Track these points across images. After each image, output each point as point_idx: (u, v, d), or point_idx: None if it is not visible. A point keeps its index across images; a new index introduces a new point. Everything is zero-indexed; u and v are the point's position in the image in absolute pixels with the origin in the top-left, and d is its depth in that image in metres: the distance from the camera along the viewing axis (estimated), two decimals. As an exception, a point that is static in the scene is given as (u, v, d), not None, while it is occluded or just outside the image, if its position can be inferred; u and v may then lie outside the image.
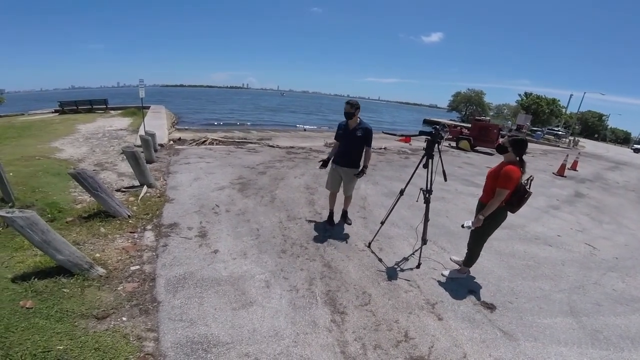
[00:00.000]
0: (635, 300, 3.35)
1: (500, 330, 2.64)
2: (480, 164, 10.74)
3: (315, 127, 22.54)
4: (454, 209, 5.57)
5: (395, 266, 3.47)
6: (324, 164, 4.08)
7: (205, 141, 10.03)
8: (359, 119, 3.81)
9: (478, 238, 3.07)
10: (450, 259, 3.69)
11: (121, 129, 11.43)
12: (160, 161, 7.17)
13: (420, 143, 13.19)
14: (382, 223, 3.78)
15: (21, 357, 1.89)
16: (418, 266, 3.45)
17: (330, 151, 4.16)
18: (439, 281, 3.25)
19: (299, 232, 4.07)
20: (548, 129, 34.62)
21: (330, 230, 4.21)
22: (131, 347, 2.14)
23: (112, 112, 18.42)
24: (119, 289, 2.71)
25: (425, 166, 3.29)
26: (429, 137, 3.30)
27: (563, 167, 10.73)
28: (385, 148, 12.03)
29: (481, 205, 2.99)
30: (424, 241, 3.53)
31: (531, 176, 2.93)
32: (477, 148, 14.46)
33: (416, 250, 3.71)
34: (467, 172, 9.20)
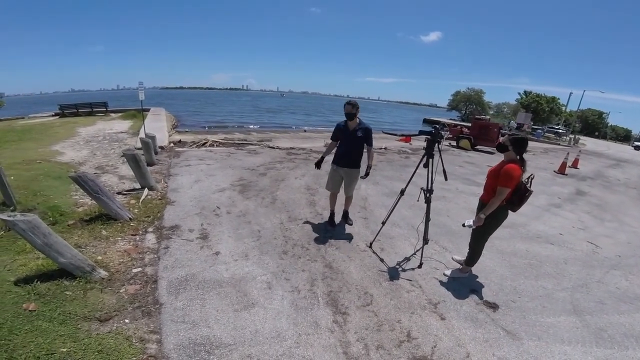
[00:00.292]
0: (639, 298, 3.33)
1: (503, 330, 2.63)
2: (480, 163, 10.74)
3: (315, 127, 22.55)
4: (455, 208, 5.56)
5: (397, 266, 3.46)
6: (318, 164, 4.09)
7: (205, 143, 10.04)
8: (358, 119, 3.82)
9: (479, 237, 3.07)
10: (452, 258, 3.69)
11: (121, 132, 11.45)
12: (161, 164, 7.17)
13: (420, 143, 13.18)
14: (383, 223, 3.78)
15: (25, 359, 1.89)
16: (420, 266, 3.44)
17: (325, 151, 4.16)
18: (441, 281, 3.25)
19: (300, 233, 4.07)
20: (548, 127, 34.60)
21: (331, 230, 4.21)
22: (134, 349, 2.14)
23: (112, 114, 18.47)
24: (121, 291, 2.72)
25: (426, 166, 3.29)
26: (429, 137, 3.30)
27: (564, 165, 10.72)
28: (385, 148, 12.02)
29: (482, 204, 2.98)
30: (426, 241, 3.53)
31: (532, 174, 2.92)
32: (478, 147, 14.44)
33: (418, 250, 3.70)
34: (468, 171, 9.20)
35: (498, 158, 3.07)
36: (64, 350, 2.01)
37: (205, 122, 23.90)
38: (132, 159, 4.95)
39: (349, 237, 4.06)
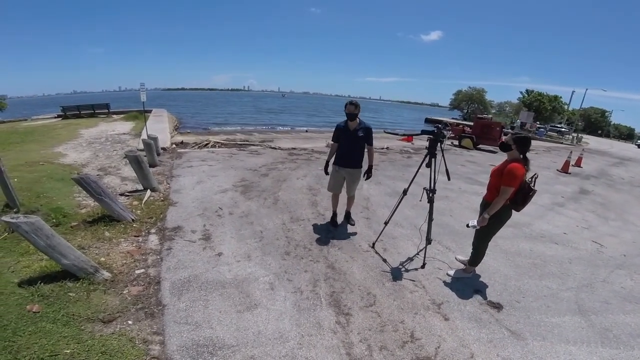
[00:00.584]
0: (644, 297, 3.30)
1: (507, 330, 2.61)
2: (483, 162, 10.69)
3: (317, 128, 22.54)
4: (458, 208, 5.54)
5: (400, 266, 3.45)
6: (326, 169, 4.10)
7: (207, 144, 10.06)
8: (358, 119, 3.81)
9: (483, 237, 3.05)
10: (456, 258, 3.67)
11: (124, 133, 11.49)
12: (163, 165, 7.19)
13: (422, 142, 13.15)
14: (386, 223, 3.76)
15: (29, 360, 1.90)
16: (423, 266, 3.43)
17: (329, 154, 4.14)
18: (444, 281, 3.23)
19: (302, 234, 4.07)
20: (551, 126, 34.46)
21: (333, 231, 4.20)
22: (137, 350, 2.14)
23: (114, 116, 18.54)
24: (124, 292, 2.72)
25: (428, 165, 3.27)
26: (431, 136, 3.28)
27: (567, 163, 10.66)
28: (387, 148, 12.00)
29: (486, 204, 2.96)
30: (429, 241, 3.51)
31: (535, 174, 2.90)
32: (480, 146, 14.40)
33: (421, 250, 3.69)
34: (470, 171, 9.16)
35: (501, 157, 3.06)
36: (68, 351, 2.01)
37: (207, 123, 23.96)
38: (134, 161, 4.96)
39: (352, 238, 4.05)
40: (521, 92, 44.68)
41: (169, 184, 5.79)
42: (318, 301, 2.79)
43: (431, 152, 3.27)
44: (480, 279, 3.32)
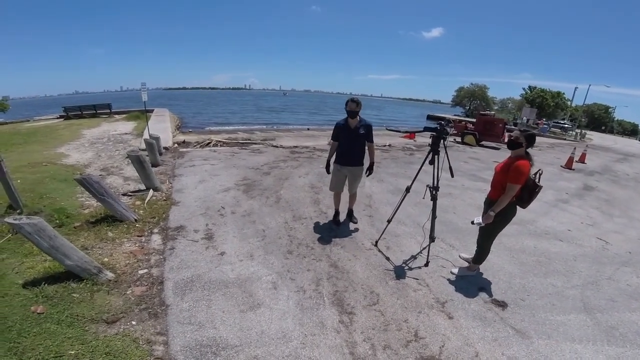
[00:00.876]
0: (650, 295, 3.26)
1: (512, 328, 2.59)
2: (486, 159, 10.63)
3: (319, 126, 22.49)
4: (462, 205, 5.51)
5: (403, 265, 3.43)
6: (328, 168, 4.08)
7: (209, 143, 10.06)
8: (359, 117, 3.78)
9: (488, 235, 3.02)
10: (460, 256, 3.65)
11: (126, 133, 11.51)
12: (166, 164, 7.20)
13: (424, 139, 13.10)
14: (389, 221, 3.74)
15: (34, 362, 1.91)
16: (426, 264, 3.41)
17: (329, 153, 4.11)
18: (448, 279, 3.21)
19: (304, 232, 4.06)
20: (554, 122, 34.29)
21: (336, 229, 4.19)
22: (141, 351, 2.14)
23: (116, 116, 18.57)
24: (127, 293, 2.72)
25: (432, 162, 3.24)
26: (434, 133, 3.25)
27: (571, 159, 10.58)
28: (389, 145, 11.96)
29: (490, 202, 2.94)
30: (432, 239, 3.49)
31: (540, 170, 2.87)
32: (483, 143, 14.32)
33: (424, 248, 3.67)
34: (474, 167, 9.11)
35: (504, 154, 3.02)
36: (72, 352, 2.02)
37: (208, 122, 23.97)
38: (136, 161, 4.96)
39: (354, 236, 4.04)
40: (524, 89, 44.47)
41: (171, 183, 5.80)
42: (321, 300, 2.78)
43: (434, 149, 3.24)
44: (485, 277, 3.30)
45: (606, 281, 3.47)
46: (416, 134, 14.56)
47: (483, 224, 2.85)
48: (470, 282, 3.19)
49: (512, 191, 2.69)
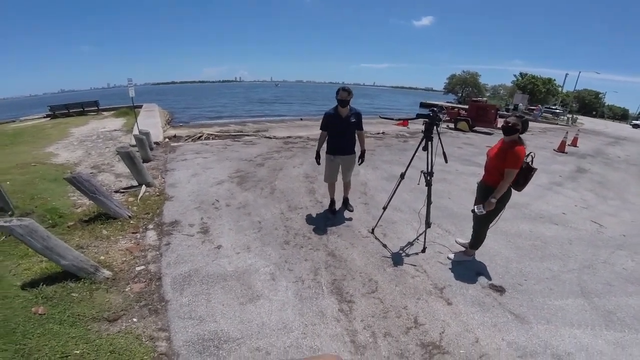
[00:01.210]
0: (646, 279, 3.29)
1: (511, 314, 2.61)
2: (479, 144, 10.68)
3: (311, 116, 22.30)
4: (456, 190, 5.54)
5: (401, 251, 3.45)
6: (318, 159, 4.02)
7: (201, 136, 9.93)
8: (349, 105, 3.74)
9: (485, 220, 3.02)
10: (456, 241, 3.67)
11: (115, 130, 11.29)
12: (157, 159, 7.09)
13: (418, 126, 13.08)
14: (385, 208, 3.73)
15: (42, 363, 1.89)
16: (423, 250, 3.43)
17: (318, 144, 4.04)
18: (445, 265, 3.24)
19: (301, 222, 4.05)
20: (545, 108, 34.55)
21: (332, 218, 4.19)
22: (145, 347, 2.14)
23: (104, 113, 18.18)
24: (126, 290, 2.70)
25: (425, 149, 3.23)
26: (427, 120, 3.23)
27: (563, 143, 10.68)
28: (383, 132, 11.94)
29: (485, 187, 2.94)
30: (428, 224, 3.50)
31: (532, 152, 2.87)
32: (476, 128, 14.38)
33: (420, 234, 3.69)
34: (467, 152, 9.15)
35: (496, 139, 3.01)
36: (78, 352, 2.01)
37: (199, 115, 23.61)
38: (126, 157, 4.87)
39: (351, 224, 4.04)
40: (515, 75, 44.74)
41: (163, 178, 5.72)
42: (320, 290, 2.79)
43: (427, 135, 3.22)
44: (482, 262, 3.33)
45: (602, 265, 3.49)
46: (409, 121, 14.53)
47: (485, 212, 2.85)
48: (468, 267, 3.22)
49: (511, 176, 2.70)
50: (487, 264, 3.31)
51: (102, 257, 3.14)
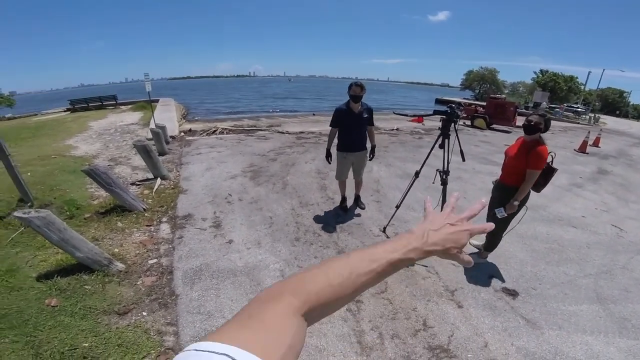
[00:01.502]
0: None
1: (523, 318, 2.54)
2: (497, 142, 10.38)
3: (324, 111, 22.18)
4: (472, 189, 5.40)
5: (412, 252, 3.38)
6: (328, 157, 3.96)
7: (215, 131, 10.03)
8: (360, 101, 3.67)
9: (502, 223, 2.92)
10: (470, 242, 3.58)
11: (132, 124, 11.54)
12: (172, 153, 7.21)
13: (433, 123, 12.81)
14: (398, 207, 3.66)
15: (50, 355, 1.94)
16: (436, 251, 3.35)
17: (329, 141, 3.92)
18: (458, 267, 3.15)
19: (311, 219, 4.04)
20: (567, 106, 33.35)
21: (343, 215, 4.16)
22: (152, 342, 2.17)
23: (122, 107, 18.61)
24: (138, 283, 2.76)
25: (442, 146, 3.14)
26: (444, 117, 3.14)
27: (585, 143, 10.26)
28: (397, 129, 11.77)
29: (502, 187, 2.85)
30: (442, 225, 3.42)
31: (552, 152, 2.76)
32: (494, 126, 14.00)
33: (433, 235, 3.60)
34: (485, 151, 8.91)
35: (515, 137, 2.90)
36: (86, 345, 2.06)
37: (213, 110, 23.89)
38: (143, 150, 4.97)
39: (362, 222, 4.00)
40: (535, 72, 43.44)
41: (178, 171, 5.81)
42: (328, 289, 2.77)
43: (444, 132, 3.13)
44: (495, 265, 3.23)
45: (620, 270, 3.35)
46: (425, 117, 14.24)
47: (506, 215, 2.76)
48: (481, 269, 3.14)
49: (534, 177, 2.61)
50: (501, 266, 3.21)
51: (116, 250, 3.21)
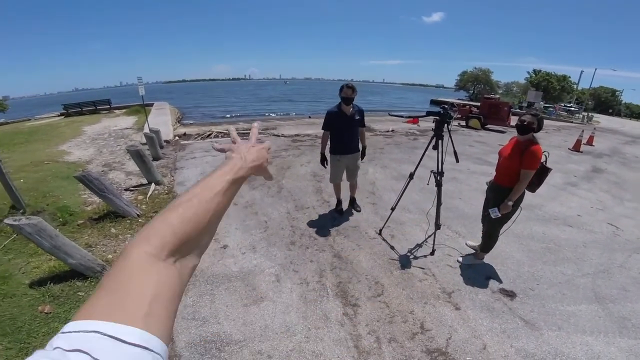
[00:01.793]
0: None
1: (521, 320, 2.52)
2: (492, 142, 10.43)
3: (320, 113, 22.21)
4: (467, 190, 5.41)
5: (408, 254, 3.38)
6: (323, 160, 3.92)
7: (210, 135, 9.98)
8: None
9: (497, 223, 2.92)
10: (466, 244, 3.57)
11: (126, 128, 11.45)
12: (167, 157, 7.15)
13: (428, 124, 12.85)
14: (393, 209, 3.66)
15: (44, 363, 1.90)
16: (432, 253, 3.35)
17: (322, 145, 3.89)
18: (454, 268, 3.15)
19: (307, 223, 4.01)
20: (564, 106, 33.70)
21: (339, 218, 4.13)
22: (147, 348, 2.13)
23: (116, 111, 18.47)
24: (131, 290, 2.71)
25: (435, 147, 3.14)
26: (437, 117, 3.14)
27: (579, 142, 10.34)
28: (392, 130, 11.78)
29: (497, 188, 2.85)
30: (437, 226, 3.42)
31: (546, 152, 2.76)
32: (488, 126, 14.07)
33: (429, 236, 3.59)
34: (480, 151, 8.94)
35: (509, 137, 2.91)
36: None
37: (209, 114, 23.82)
38: (136, 155, 4.92)
39: (358, 225, 3.98)
40: (528, 72, 43.97)
41: (173, 176, 5.77)
42: (324, 292, 2.75)
43: (438, 133, 3.13)
44: (492, 266, 3.22)
45: (618, 269, 3.34)
46: (419, 118, 14.29)
47: (500, 215, 2.76)
48: (478, 271, 3.12)
49: (528, 177, 2.60)
50: (498, 267, 3.20)
51: (109, 256, 3.17)
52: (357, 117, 3.66)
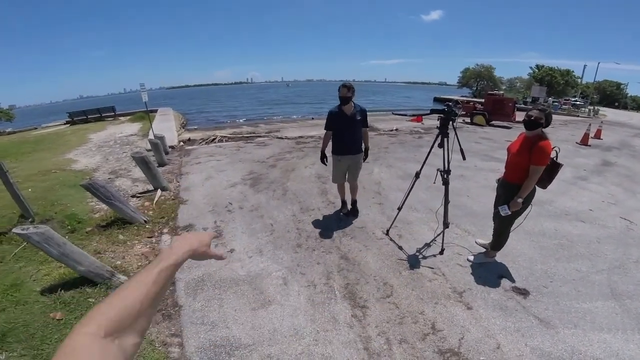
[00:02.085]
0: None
1: (535, 318, 2.47)
2: (498, 138, 10.34)
3: (323, 115, 22.20)
4: (475, 187, 5.34)
5: (417, 253, 3.33)
6: (323, 159, 3.89)
7: (214, 139, 10.03)
8: (352, 103, 3.61)
9: (508, 220, 2.86)
10: (476, 242, 3.51)
11: (132, 135, 11.56)
12: (172, 163, 7.19)
13: (432, 121, 12.78)
14: (399, 209, 3.61)
15: (57, 369, 1.91)
16: (441, 252, 3.30)
17: (323, 144, 3.85)
18: (465, 267, 3.09)
19: (313, 225, 3.99)
20: (565, 100, 33.31)
21: (344, 219, 4.10)
22: (158, 353, 2.14)
23: (121, 118, 18.66)
24: (140, 295, 2.72)
25: (441, 145, 3.09)
26: (442, 115, 3.10)
27: (586, 136, 10.19)
28: (396, 129, 11.74)
29: (507, 184, 2.80)
30: (446, 225, 3.37)
31: (556, 147, 2.70)
32: (493, 122, 13.95)
33: (438, 235, 3.55)
34: (486, 147, 8.86)
35: (515, 133, 2.85)
36: None
37: (212, 118, 23.98)
38: (141, 162, 4.95)
39: (364, 225, 3.94)
40: (531, 68, 43.63)
41: (178, 182, 5.79)
42: (332, 294, 2.72)
43: (443, 131, 3.09)
44: (504, 264, 3.16)
45: (634, 264, 3.25)
46: (423, 116, 14.22)
47: (510, 212, 2.71)
48: (489, 269, 3.07)
49: (538, 173, 2.55)
50: (510, 265, 3.14)
51: (118, 262, 3.18)
52: (359, 118, 3.62)
